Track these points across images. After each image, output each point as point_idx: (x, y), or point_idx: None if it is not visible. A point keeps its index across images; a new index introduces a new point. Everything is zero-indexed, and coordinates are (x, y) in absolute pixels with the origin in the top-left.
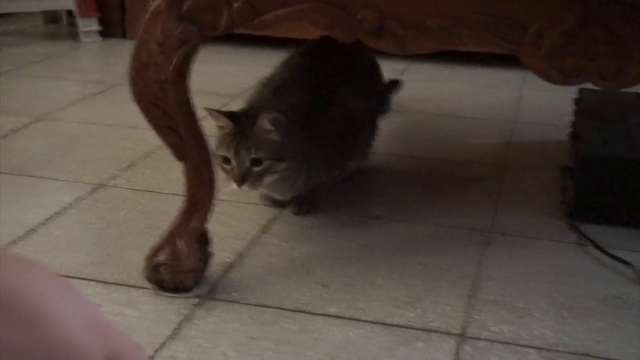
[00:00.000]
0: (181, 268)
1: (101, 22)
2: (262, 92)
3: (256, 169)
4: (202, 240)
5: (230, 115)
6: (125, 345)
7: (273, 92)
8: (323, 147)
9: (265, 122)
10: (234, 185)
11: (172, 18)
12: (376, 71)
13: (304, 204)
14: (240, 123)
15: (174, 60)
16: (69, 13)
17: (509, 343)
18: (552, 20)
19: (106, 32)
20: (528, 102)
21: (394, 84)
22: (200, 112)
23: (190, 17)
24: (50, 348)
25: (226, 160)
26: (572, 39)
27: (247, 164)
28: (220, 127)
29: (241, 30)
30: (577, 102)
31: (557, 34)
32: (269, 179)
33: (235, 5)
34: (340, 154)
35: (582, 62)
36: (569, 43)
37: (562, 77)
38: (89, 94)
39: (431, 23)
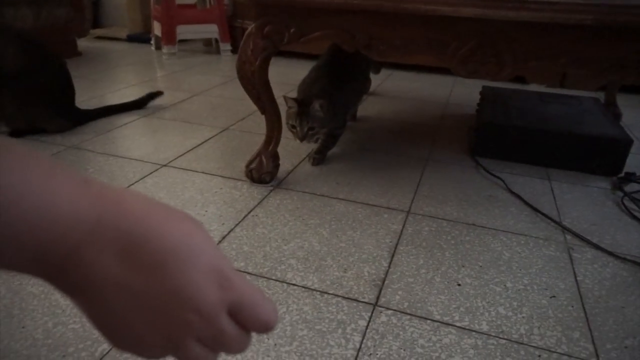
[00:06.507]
0: (263, 171)
1: (232, 44)
2: (310, 83)
3: (310, 132)
4: (275, 157)
5: (296, 100)
6: (250, 297)
7: (315, 82)
8: (342, 111)
9: (316, 105)
10: (298, 141)
11: (258, 36)
12: (367, 64)
13: (319, 159)
14: (301, 105)
15: (259, 60)
16: (216, 40)
17: (432, 216)
18: (462, 41)
19: (234, 50)
20: (456, 92)
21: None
22: (278, 96)
23: (268, 36)
24: (166, 293)
25: (293, 127)
26: (473, 53)
27: (305, 129)
28: (290, 107)
29: (290, 48)
30: (481, 93)
31: (465, 49)
32: (316, 137)
33: (292, 30)
34: (347, 112)
35: (478, 66)
36: (471, 55)
37: (467, 74)
38: (224, 82)
39: (397, 42)
